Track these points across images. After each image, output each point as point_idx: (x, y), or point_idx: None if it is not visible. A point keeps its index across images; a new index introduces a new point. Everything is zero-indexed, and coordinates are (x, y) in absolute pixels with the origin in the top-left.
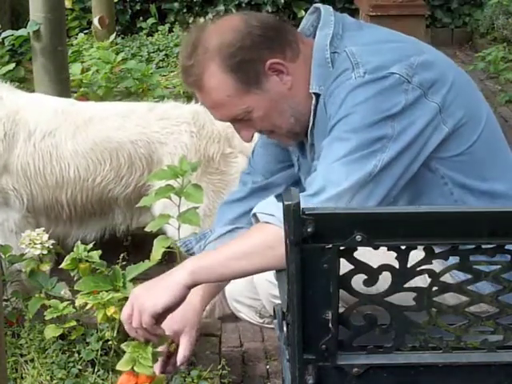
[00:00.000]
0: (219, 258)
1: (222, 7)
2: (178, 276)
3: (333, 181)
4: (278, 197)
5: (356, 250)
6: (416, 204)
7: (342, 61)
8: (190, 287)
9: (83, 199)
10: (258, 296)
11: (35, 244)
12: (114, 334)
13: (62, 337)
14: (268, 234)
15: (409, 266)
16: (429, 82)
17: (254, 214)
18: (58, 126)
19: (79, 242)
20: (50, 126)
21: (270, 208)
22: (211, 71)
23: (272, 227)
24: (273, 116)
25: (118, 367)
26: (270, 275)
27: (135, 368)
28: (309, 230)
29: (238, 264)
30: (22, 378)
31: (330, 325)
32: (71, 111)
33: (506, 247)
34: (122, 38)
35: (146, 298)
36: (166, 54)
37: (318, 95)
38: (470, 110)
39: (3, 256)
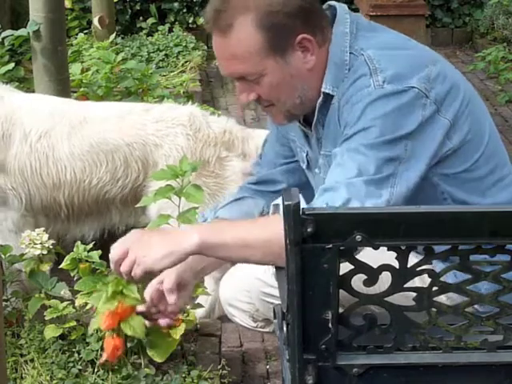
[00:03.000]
0: (230, 242)
1: None
2: (184, 243)
3: (356, 195)
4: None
5: (356, 250)
6: None
7: (359, 65)
8: (191, 255)
9: (80, 200)
10: (251, 300)
11: (35, 244)
12: None
13: (62, 337)
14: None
15: (409, 266)
16: (442, 96)
17: (276, 205)
18: (53, 126)
19: (79, 242)
20: (46, 127)
21: None
22: (244, 22)
23: None
24: (282, 89)
25: (101, 308)
26: (261, 273)
27: (123, 301)
28: (309, 230)
29: (246, 253)
30: (21, 378)
31: (330, 325)
32: (67, 112)
33: (507, 247)
34: (122, 38)
35: (147, 252)
36: (165, 54)
37: (328, 95)
38: (476, 125)
39: (3, 256)
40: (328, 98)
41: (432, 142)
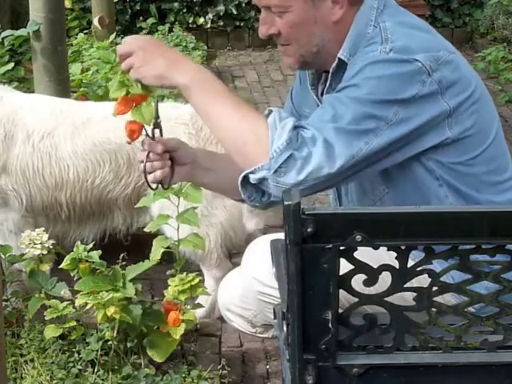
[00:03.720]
0: (206, 111)
1: (222, 7)
2: (176, 78)
3: (326, 136)
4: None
5: (356, 250)
6: (412, 202)
7: (375, 35)
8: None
9: (82, 200)
10: (248, 306)
11: (35, 244)
12: (114, 334)
13: (62, 337)
14: (262, 138)
15: (409, 266)
16: (449, 82)
17: (270, 110)
18: (56, 126)
19: (79, 242)
20: (49, 127)
21: (284, 125)
22: None
23: (267, 137)
24: (302, 31)
25: (112, 95)
26: (258, 273)
27: (130, 90)
28: (309, 230)
29: (215, 131)
30: (21, 378)
31: (330, 325)
32: (70, 111)
33: (507, 247)
34: (122, 38)
35: (145, 64)
36: None
37: (343, 62)
38: (481, 124)
39: (3, 256)
40: (343, 64)
41: (424, 116)
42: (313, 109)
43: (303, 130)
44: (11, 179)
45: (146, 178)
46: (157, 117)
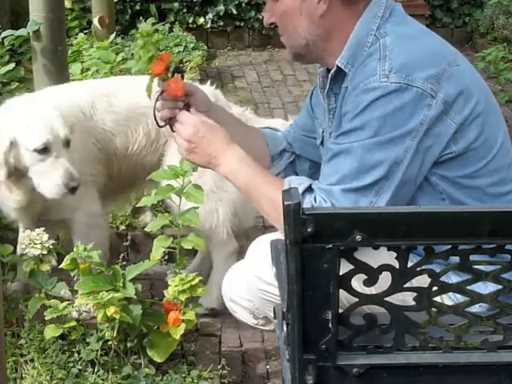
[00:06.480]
0: (242, 189)
1: (221, 7)
2: (213, 166)
3: (335, 202)
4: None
5: (356, 250)
6: None
7: (375, 50)
8: None
9: (123, 170)
10: (251, 297)
11: (35, 244)
12: (114, 334)
13: (62, 337)
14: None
15: (409, 266)
16: (453, 98)
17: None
18: (93, 100)
19: (79, 242)
20: (89, 102)
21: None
22: None
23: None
24: (289, 22)
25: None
26: (261, 271)
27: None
28: (309, 230)
29: (252, 202)
30: (21, 378)
31: (330, 325)
32: (101, 87)
33: (506, 247)
34: (122, 38)
35: (190, 150)
36: None
37: (341, 70)
38: (486, 135)
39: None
40: (341, 72)
41: (437, 145)
42: (321, 109)
43: (311, 196)
44: (93, 164)
45: (154, 115)
46: (180, 62)
